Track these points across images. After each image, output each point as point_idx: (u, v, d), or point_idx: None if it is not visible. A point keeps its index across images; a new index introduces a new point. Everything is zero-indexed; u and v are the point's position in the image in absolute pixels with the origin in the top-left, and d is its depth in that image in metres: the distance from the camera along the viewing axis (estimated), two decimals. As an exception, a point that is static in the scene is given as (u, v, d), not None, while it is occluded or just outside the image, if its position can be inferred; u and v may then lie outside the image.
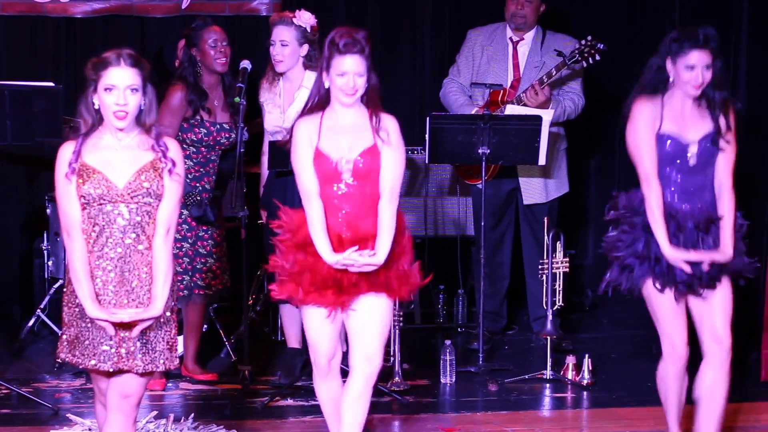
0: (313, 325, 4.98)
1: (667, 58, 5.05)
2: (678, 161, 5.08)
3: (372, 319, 4.92)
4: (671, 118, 5.07)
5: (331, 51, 4.86)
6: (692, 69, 5.00)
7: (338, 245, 4.86)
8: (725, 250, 5.08)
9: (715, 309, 5.14)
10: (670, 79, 5.06)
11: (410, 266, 4.97)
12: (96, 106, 4.37)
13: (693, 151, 5.07)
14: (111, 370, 4.38)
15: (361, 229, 4.89)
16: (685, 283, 5.08)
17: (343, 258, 4.81)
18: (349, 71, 4.84)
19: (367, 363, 4.90)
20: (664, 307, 5.14)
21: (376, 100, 4.92)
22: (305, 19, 6.32)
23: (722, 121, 5.06)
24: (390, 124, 4.93)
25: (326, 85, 4.90)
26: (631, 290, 5.18)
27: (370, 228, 4.89)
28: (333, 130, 4.91)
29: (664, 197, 5.09)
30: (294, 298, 4.94)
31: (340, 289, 4.88)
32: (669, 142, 5.06)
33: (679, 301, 5.13)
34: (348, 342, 5.10)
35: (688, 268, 5.04)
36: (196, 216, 6.33)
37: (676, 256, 5.04)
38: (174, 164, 4.40)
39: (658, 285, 5.09)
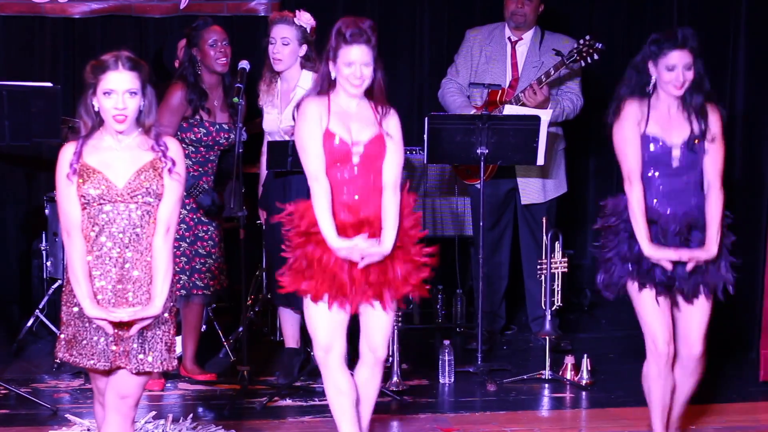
0: (313, 314, 5.01)
1: (648, 61, 5.13)
2: (662, 164, 5.13)
3: (376, 317, 5.05)
4: (657, 121, 5.14)
5: (338, 41, 4.92)
6: (672, 69, 5.08)
7: (340, 228, 4.93)
8: (709, 248, 5.14)
9: (692, 319, 5.22)
10: (652, 82, 5.13)
11: (414, 267, 5.07)
12: (96, 109, 4.37)
13: (676, 154, 5.13)
14: (108, 368, 4.38)
15: (362, 214, 4.97)
16: (664, 284, 5.13)
17: (351, 246, 4.85)
18: (356, 61, 4.91)
19: (370, 353, 5.10)
20: (646, 305, 5.20)
21: (381, 92, 4.99)
22: (305, 19, 6.32)
23: (702, 124, 5.12)
24: (392, 119, 5.03)
25: (333, 75, 4.94)
26: (619, 292, 5.23)
27: (371, 213, 4.97)
28: (341, 115, 4.98)
29: (648, 201, 5.15)
30: (301, 291, 5.00)
31: (346, 288, 4.94)
32: (653, 144, 5.11)
33: (660, 300, 5.18)
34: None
35: (669, 266, 5.11)
36: (206, 205, 6.32)
37: (657, 255, 5.10)
38: (174, 163, 4.41)
39: (636, 284, 5.16)
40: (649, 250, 5.09)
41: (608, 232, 5.25)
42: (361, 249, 4.88)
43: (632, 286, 5.18)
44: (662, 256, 5.09)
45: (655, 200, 5.15)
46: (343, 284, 4.93)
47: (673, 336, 5.25)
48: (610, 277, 5.22)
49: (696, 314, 5.22)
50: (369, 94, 5.01)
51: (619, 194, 5.25)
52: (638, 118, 5.11)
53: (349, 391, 5.06)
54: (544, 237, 6.70)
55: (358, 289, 4.95)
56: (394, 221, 4.95)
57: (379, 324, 5.06)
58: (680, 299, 5.20)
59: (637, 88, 5.16)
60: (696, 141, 5.11)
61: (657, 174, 5.14)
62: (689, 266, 5.12)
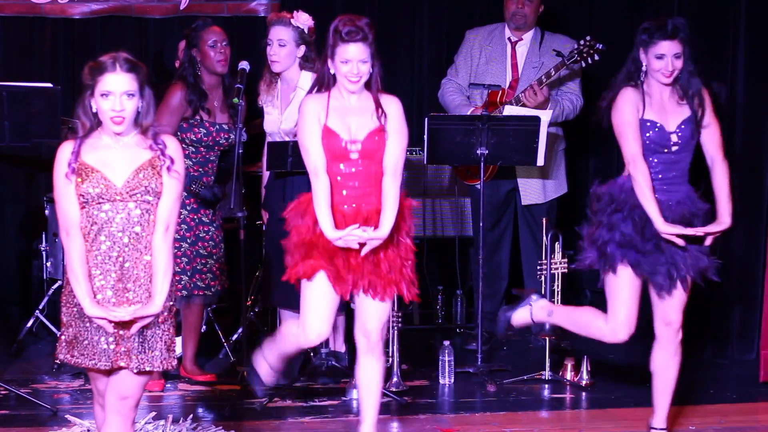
0: (311, 292, 5.04)
1: (639, 48, 5.21)
2: (660, 150, 5.19)
3: (369, 301, 5.10)
4: (652, 107, 5.22)
5: (335, 39, 4.98)
6: (662, 58, 5.16)
7: (342, 222, 4.97)
8: (723, 220, 5.19)
9: (671, 299, 5.27)
10: (643, 69, 5.20)
11: (407, 265, 5.09)
12: (94, 110, 4.37)
13: (674, 138, 5.18)
14: (109, 368, 4.38)
15: (364, 207, 5.02)
16: (654, 275, 5.19)
17: (345, 234, 4.88)
18: (353, 59, 4.96)
19: (364, 338, 5.13)
20: (623, 288, 5.25)
21: (379, 85, 5.04)
22: (303, 20, 6.32)
23: (699, 107, 5.18)
24: (393, 105, 5.08)
25: (331, 72, 4.99)
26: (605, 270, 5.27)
27: (373, 205, 5.01)
28: (340, 110, 5.03)
29: None
30: (306, 273, 5.03)
31: (348, 266, 4.99)
32: (651, 129, 5.18)
33: (635, 286, 5.23)
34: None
35: (682, 242, 5.14)
36: (207, 198, 6.32)
37: (671, 231, 5.13)
38: (173, 161, 4.40)
39: (625, 267, 5.20)
40: (662, 226, 5.12)
41: (602, 214, 5.28)
42: (358, 236, 4.91)
43: (619, 267, 5.22)
44: (675, 231, 5.12)
45: (653, 185, 5.19)
46: (339, 266, 4.98)
47: (654, 316, 5.33)
48: (605, 259, 5.24)
49: (676, 294, 5.26)
50: (369, 86, 5.05)
51: (610, 181, 5.29)
52: (635, 103, 5.18)
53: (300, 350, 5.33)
54: (544, 237, 6.70)
55: (354, 274, 4.99)
56: (393, 206, 4.99)
57: (372, 308, 5.08)
58: (669, 285, 5.24)
59: (629, 75, 5.22)
60: (695, 123, 5.15)
61: (655, 160, 5.19)
62: (708, 240, 5.16)
